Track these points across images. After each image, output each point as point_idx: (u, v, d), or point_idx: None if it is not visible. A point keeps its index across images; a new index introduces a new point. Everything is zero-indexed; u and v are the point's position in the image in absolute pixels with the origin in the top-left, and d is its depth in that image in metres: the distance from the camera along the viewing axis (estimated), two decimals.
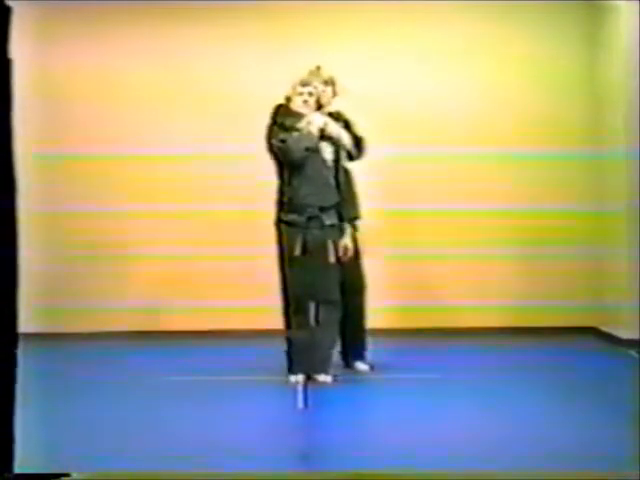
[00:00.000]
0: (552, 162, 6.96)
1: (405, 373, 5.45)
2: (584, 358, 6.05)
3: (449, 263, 6.97)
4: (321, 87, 5.39)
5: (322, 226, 5.18)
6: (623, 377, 5.23)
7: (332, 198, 5.24)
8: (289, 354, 5.37)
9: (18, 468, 2.61)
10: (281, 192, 5.29)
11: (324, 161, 5.24)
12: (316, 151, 5.20)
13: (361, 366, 5.57)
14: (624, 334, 6.23)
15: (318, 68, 5.46)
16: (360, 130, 5.49)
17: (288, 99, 5.34)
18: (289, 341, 5.38)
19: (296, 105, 5.26)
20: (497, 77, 7.01)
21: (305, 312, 5.20)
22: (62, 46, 6.97)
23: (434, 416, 4.40)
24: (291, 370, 5.28)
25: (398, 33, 7.00)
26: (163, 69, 6.95)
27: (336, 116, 5.47)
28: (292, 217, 5.19)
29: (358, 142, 5.46)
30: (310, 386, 5.06)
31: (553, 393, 4.85)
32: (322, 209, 5.19)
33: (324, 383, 5.17)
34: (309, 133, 5.16)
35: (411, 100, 6.96)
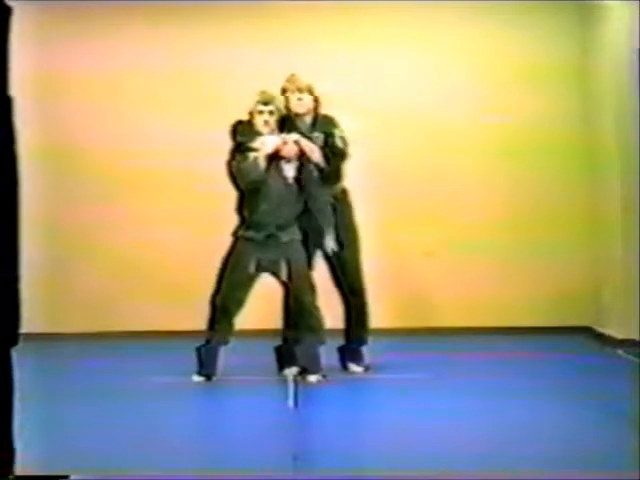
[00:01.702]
0: (546, 161, 7.00)
1: (397, 373, 5.46)
2: (579, 358, 6.06)
3: (443, 262, 6.99)
4: (297, 95, 5.37)
5: (279, 244, 5.25)
6: (618, 377, 5.25)
7: (290, 215, 5.31)
8: (280, 352, 5.49)
9: (18, 469, 2.60)
10: (241, 207, 5.35)
11: (284, 179, 5.29)
12: (274, 171, 5.24)
13: (354, 367, 5.59)
14: (619, 334, 6.25)
15: (292, 76, 5.44)
16: (342, 140, 5.41)
17: (251, 115, 5.35)
18: (284, 339, 5.50)
19: (257, 125, 5.31)
20: (490, 77, 7.04)
21: (225, 322, 5.29)
22: (62, 46, 6.97)
23: (426, 416, 4.40)
24: (282, 366, 5.43)
25: (392, 33, 7.03)
26: (162, 68, 6.95)
27: (322, 121, 5.45)
28: (250, 234, 5.28)
29: (339, 153, 5.42)
30: (300, 386, 5.09)
31: (548, 393, 4.86)
32: (279, 227, 5.26)
33: (312, 383, 5.22)
34: (261, 159, 5.19)
35: (403, 98, 6.99)
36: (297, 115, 5.43)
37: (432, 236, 6.98)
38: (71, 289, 6.98)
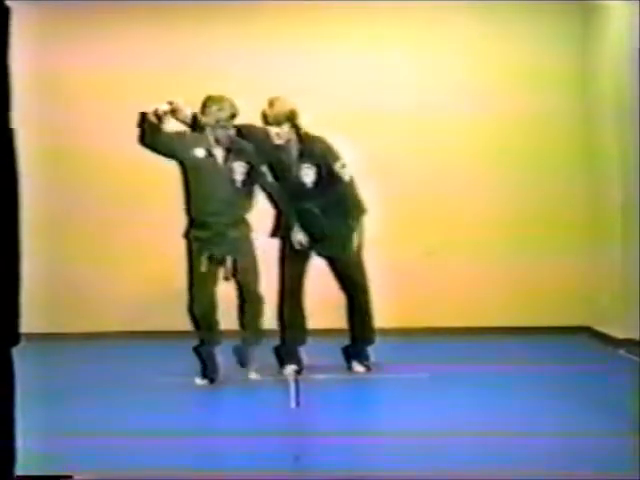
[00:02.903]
0: (547, 161, 7.00)
1: (397, 373, 5.47)
2: (578, 357, 6.07)
3: (444, 262, 6.99)
4: (275, 129, 5.33)
5: (226, 240, 5.31)
6: (618, 377, 5.25)
7: (239, 213, 5.37)
8: (279, 351, 5.56)
9: (19, 468, 2.60)
10: (188, 205, 5.39)
11: (232, 181, 5.33)
12: (225, 173, 5.31)
13: (357, 367, 5.59)
14: (619, 334, 6.25)
15: (273, 103, 5.37)
16: (345, 170, 5.41)
17: (203, 115, 5.32)
18: (282, 339, 5.56)
19: (219, 136, 5.30)
20: (490, 77, 7.03)
21: (210, 326, 5.38)
22: (62, 46, 6.98)
23: (426, 416, 4.41)
24: (282, 364, 5.51)
25: (392, 33, 7.03)
26: (163, 69, 6.94)
27: (314, 152, 5.41)
28: (198, 233, 5.33)
29: (348, 184, 5.42)
30: (302, 385, 5.09)
31: (547, 392, 4.87)
32: (227, 225, 5.32)
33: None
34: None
35: (404, 98, 6.99)
36: (277, 146, 5.40)
37: (432, 236, 6.98)
38: (71, 289, 6.98)
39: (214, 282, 5.38)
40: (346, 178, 5.41)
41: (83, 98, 6.99)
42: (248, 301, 5.43)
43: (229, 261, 5.34)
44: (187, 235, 5.39)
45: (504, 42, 7.02)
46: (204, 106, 5.33)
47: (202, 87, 6.88)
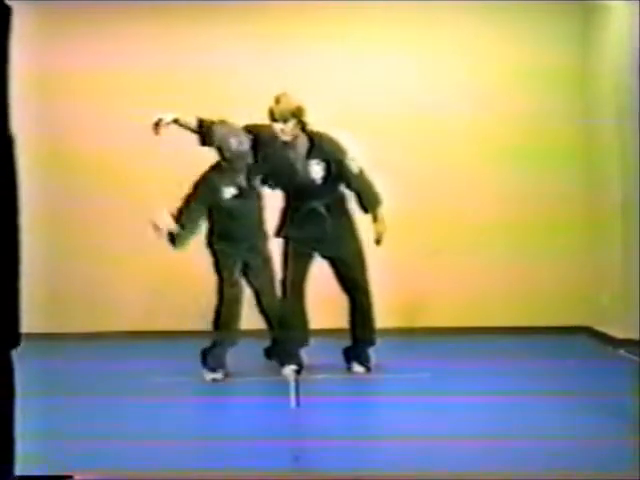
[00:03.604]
0: (547, 161, 6.99)
1: (397, 373, 5.48)
2: (578, 357, 6.07)
3: (444, 263, 6.99)
4: (280, 125, 5.31)
5: (258, 251, 5.47)
6: (617, 377, 5.25)
7: (262, 226, 5.51)
8: (279, 351, 5.58)
9: (18, 469, 2.60)
10: (211, 227, 5.46)
11: (257, 200, 5.47)
12: (247, 199, 5.41)
13: (356, 367, 5.59)
14: (619, 334, 6.25)
15: (279, 99, 5.33)
16: (355, 164, 5.45)
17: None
18: (283, 339, 5.57)
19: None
20: (491, 78, 7.04)
21: (230, 326, 5.43)
22: (62, 46, 6.98)
23: (426, 416, 4.41)
24: (282, 364, 5.50)
25: (393, 33, 7.03)
26: (162, 68, 6.96)
27: (322, 148, 5.43)
28: (223, 245, 5.41)
29: (360, 176, 5.47)
30: (302, 385, 5.10)
31: (547, 392, 4.87)
32: (254, 237, 5.47)
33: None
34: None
35: (407, 98, 7.00)
36: (285, 143, 5.40)
37: (432, 236, 6.98)
38: (71, 289, 6.99)
39: (240, 285, 5.48)
40: (356, 171, 5.42)
41: (83, 98, 6.99)
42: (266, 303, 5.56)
43: (254, 269, 5.48)
44: (211, 244, 5.44)
45: (504, 42, 7.03)
46: (217, 135, 5.32)
47: (202, 87, 6.94)
